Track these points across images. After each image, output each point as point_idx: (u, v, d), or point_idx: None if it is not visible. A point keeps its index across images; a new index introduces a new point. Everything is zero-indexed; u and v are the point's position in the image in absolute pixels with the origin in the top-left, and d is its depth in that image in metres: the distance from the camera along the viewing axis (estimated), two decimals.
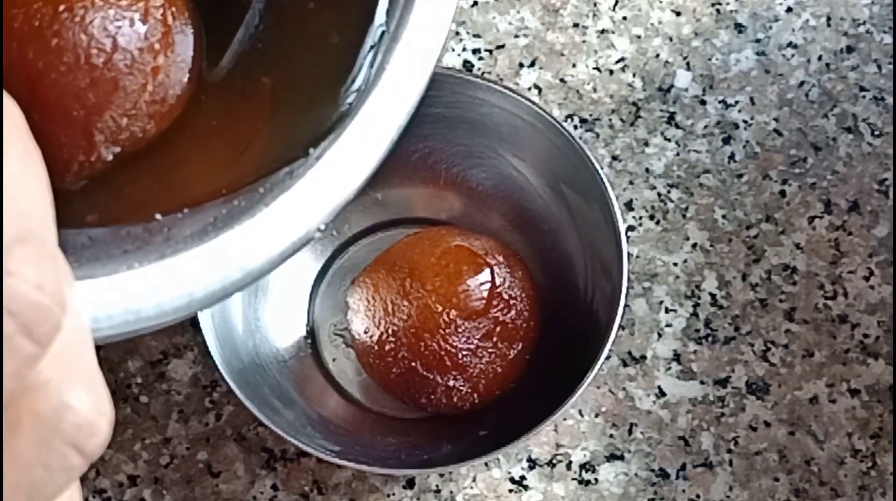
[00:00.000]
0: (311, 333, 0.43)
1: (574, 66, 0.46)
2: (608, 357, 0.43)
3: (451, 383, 0.39)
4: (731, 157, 0.45)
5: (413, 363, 0.39)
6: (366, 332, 0.40)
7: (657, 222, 0.45)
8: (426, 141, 0.42)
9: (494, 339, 0.40)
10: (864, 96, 0.46)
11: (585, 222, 0.41)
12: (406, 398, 0.40)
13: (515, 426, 0.37)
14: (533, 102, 0.40)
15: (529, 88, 0.46)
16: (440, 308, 0.39)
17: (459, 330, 0.39)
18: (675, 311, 0.44)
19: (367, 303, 0.40)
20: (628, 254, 0.40)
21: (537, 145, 0.41)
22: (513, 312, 0.40)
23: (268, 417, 0.37)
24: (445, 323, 0.39)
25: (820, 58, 0.47)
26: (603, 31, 0.47)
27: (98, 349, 0.46)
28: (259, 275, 0.25)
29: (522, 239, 0.43)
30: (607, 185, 0.39)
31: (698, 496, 0.42)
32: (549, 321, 0.42)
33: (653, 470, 0.42)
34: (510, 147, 0.42)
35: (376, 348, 0.40)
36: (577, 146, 0.39)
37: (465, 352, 0.39)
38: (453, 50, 0.47)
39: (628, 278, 0.39)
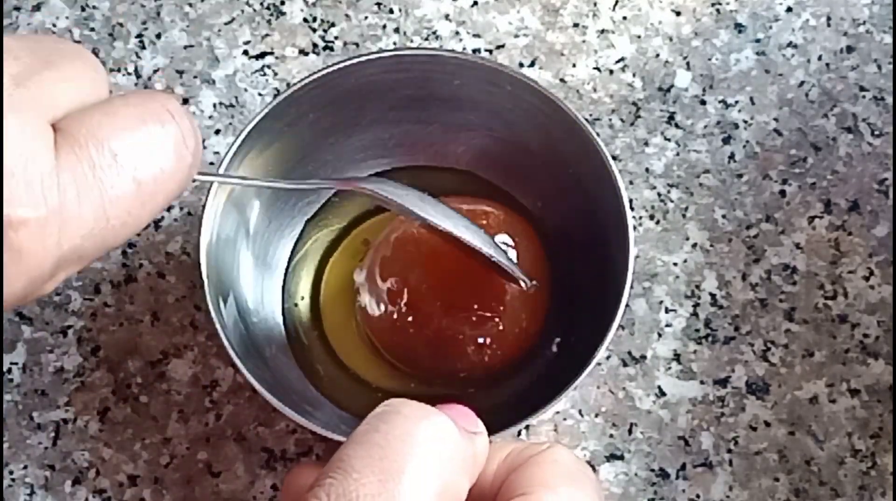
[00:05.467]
0: (319, 322, 0.43)
1: (574, 66, 0.46)
2: (608, 357, 0.43)
3: (479, 340, 0.39)
4: (731, 157, 0.45)
5: (439, 328, 0.39)
6: (382, 309, 0.40)
7: (657, 222, 0.45)
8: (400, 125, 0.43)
9: (507, 298, 0.39)
10: (864, 96, 0.46)
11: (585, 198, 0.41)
12: (435, 366, 0.40)
13: (512, 420, 0.37)
14: (512, 69, 0.40)
15: None
16: (451, 268, 0.39)
17: (475, 293, 0.39)
18: (675, 311, 0.44)
19: (377, 281, 0.40)
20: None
21: (515, 110, 0.41)
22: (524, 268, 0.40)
23: (307, 418, 0.37)
24: (461, 282, 0.39)
25: (820, 58, 0.47)
26: (603, 31, 0.47)
27: (98, 349, 0.46)
28: None
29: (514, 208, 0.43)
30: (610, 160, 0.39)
31: (698, 496, 0.42)
32: (550, 312, 0.42)
33: (653, 470, 0.42)
34: (488, 118, 0.42)
35: (396, 323, 0.40)
36: (541, 96, 0.39)
37: (484, 315, 0.39)
38: (452, 50, 0.47)
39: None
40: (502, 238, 0.40)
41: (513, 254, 0.40)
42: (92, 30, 0.47)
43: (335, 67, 0.40)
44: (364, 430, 0.29)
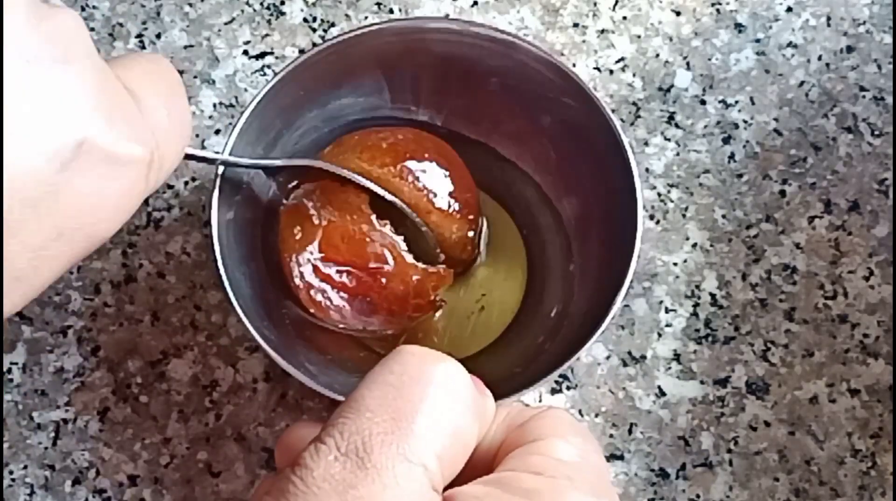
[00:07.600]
0: None
1: (574, 66, 0.46)
2: (608, 357, 0.43)
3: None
4: (731, 157, 0.45)
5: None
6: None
7: (657, 222, 0.45)
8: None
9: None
10: (864, 96, 0.46)
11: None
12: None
13: (507, 392, 0.37)
14: (522, 38, 0.40)
15: None
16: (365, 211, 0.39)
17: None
18: (675, 311, 0.44)
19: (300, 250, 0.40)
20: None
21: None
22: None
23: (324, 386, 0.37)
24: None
25: (820, 58, 0.47)
26: (603, 31, 0.47)
27: (98, 349, 0.46)
28: None
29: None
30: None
31: (698, 496, 0.42)
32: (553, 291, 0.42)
33: (653, 470, 0.42)
34: (534, 110, 0.42)
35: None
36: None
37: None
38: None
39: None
40: (426, 166, 0.40)
41: (441, 175, 0.41)
42: (92, 30, 0.47)
43: (357, 32, 0.40)
44: (377, 371, 0.29)
